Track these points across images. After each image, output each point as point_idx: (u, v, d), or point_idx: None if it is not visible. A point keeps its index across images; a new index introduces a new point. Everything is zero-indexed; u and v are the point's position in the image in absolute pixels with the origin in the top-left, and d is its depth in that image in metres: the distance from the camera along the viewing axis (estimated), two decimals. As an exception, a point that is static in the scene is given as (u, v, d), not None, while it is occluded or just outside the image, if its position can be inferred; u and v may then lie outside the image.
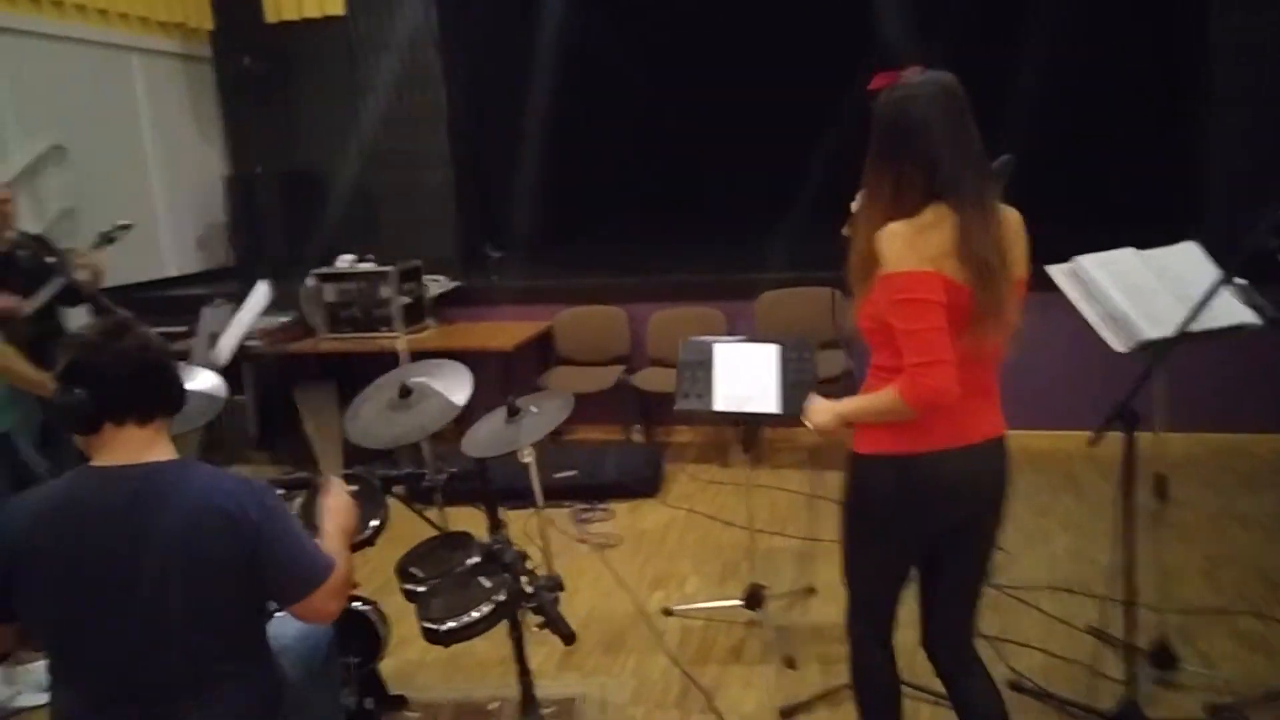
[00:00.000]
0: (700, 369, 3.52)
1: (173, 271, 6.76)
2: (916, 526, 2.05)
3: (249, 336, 5.18)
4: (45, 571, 1.79)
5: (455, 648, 2.41)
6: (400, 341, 5.28)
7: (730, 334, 5.60)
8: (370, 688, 2.83)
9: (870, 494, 2.07)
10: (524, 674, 2.67)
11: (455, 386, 2.68)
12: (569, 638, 2.34)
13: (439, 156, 6.85)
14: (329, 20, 6.93)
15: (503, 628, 2.48)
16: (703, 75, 7.52)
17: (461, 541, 2.63)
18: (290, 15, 7.03)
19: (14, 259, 4.32)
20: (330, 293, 5.40)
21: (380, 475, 2.70)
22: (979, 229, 1.84)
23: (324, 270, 5.45)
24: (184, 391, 1.97)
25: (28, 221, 5.69)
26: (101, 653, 1.80)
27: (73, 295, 4.53)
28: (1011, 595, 3.50)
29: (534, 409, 2.62)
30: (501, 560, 2.50)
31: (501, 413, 2.61)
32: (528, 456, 2.57)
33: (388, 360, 5.31)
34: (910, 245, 1.84)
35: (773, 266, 5.48)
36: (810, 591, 3.68)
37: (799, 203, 5.65)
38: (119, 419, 1.83)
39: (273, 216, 6.76)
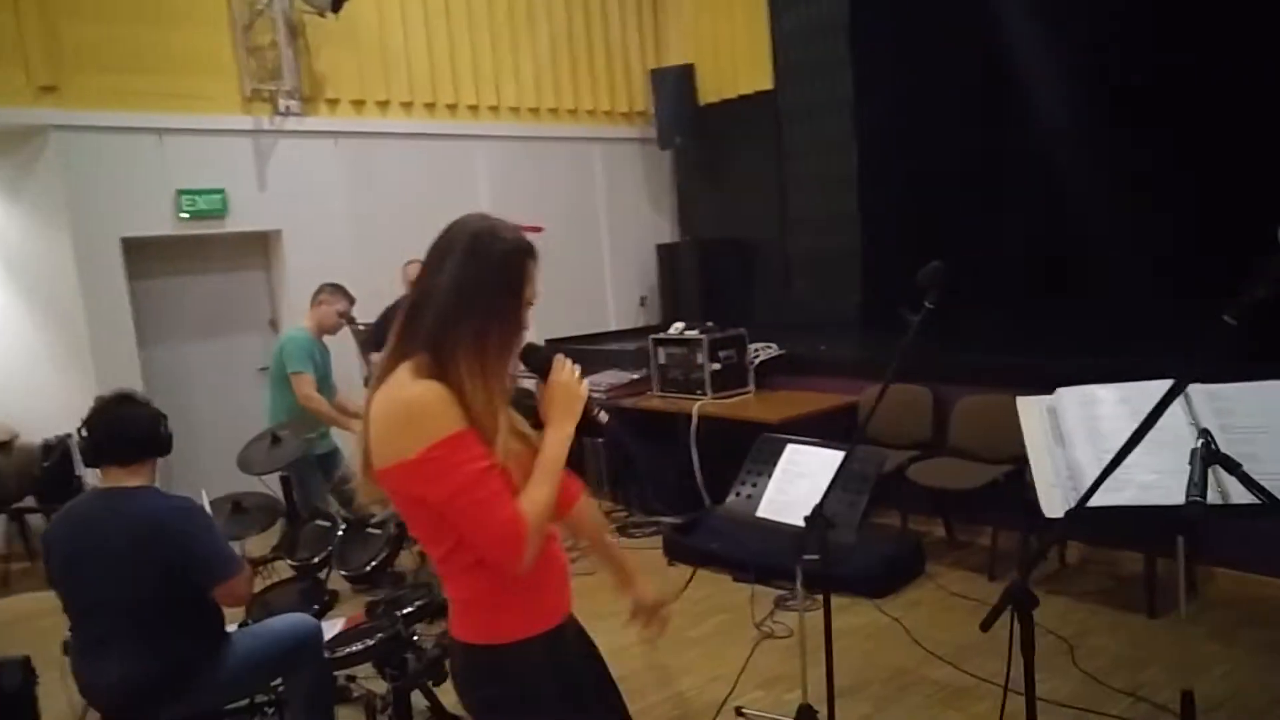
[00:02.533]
0: (764, 467, 3.34)
1: (613, 326, 7.91)
2: None
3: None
4: (55, 555, 2.70)
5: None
6: (694, 405, 5.62)
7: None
8: (403, 705, 3.30)
9: None
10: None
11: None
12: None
13: (849, 220, 6.93)
14: (758, 95, 7.50)
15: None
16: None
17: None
18: (728, 94, 7.77)
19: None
20: (662, 355, 5.93)
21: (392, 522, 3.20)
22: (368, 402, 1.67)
23: (659, 335, 6.00)
24: (167, 443, 2.76)
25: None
26: (76, 614, 2.69)
27: None
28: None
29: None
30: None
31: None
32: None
33: (683, 421, 5.67)
34: None
35: (1109, 352, 4.59)
36: (905, 737, 3.20)
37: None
38: (107, 462, 2.68)
39: (690, 280, 7.52)
